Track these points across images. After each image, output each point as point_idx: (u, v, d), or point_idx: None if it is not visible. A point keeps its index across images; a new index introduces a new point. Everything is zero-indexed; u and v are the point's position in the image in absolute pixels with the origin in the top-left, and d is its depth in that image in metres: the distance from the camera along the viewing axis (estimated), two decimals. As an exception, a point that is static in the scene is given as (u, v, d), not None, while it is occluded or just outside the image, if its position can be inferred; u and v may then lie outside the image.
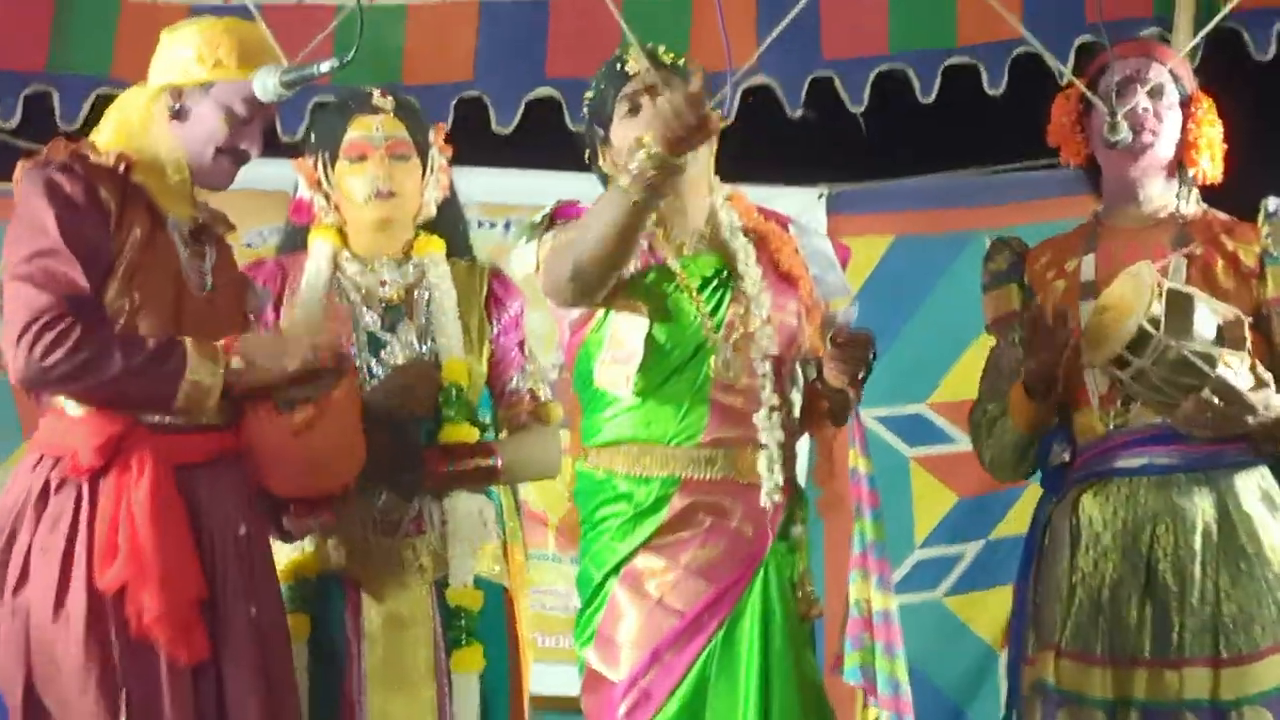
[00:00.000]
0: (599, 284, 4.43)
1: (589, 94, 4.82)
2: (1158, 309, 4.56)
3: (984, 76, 7.73)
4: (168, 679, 4.29)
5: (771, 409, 4.57)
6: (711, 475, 4.60)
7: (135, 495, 4.30)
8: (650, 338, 4.61)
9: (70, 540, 4.32)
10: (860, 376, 4.54)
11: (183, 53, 4.53)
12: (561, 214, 4.72)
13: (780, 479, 4.57)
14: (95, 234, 4.35)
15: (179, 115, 4.49)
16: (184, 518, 4.35)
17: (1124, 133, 4.90)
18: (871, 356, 4.53)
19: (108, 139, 4.54)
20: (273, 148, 6.08)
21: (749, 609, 4.52)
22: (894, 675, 4.53)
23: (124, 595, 4.26)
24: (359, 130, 5.09)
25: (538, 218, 4.74)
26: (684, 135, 4.18)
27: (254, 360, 4.34)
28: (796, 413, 4.75)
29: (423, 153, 5.15)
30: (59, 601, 4.31)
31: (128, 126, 4.54)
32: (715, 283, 4.65)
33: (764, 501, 4.56)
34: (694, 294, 4.62)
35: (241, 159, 4.55)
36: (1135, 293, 4.63)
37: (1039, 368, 4.84)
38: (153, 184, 4.46)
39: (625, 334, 4.62)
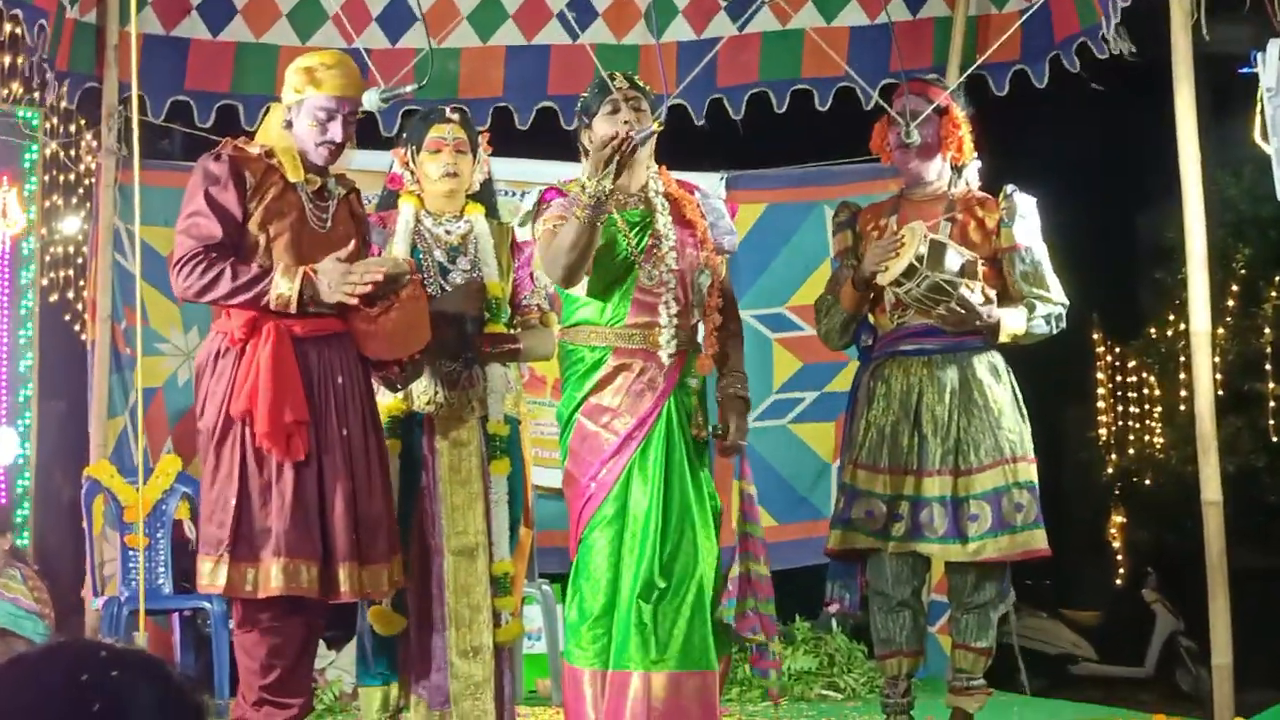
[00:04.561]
0: (578, 276, 4.42)
1: (583, 95, 4.75)
2: (922, 251, 4.60)
3: (816, 97, 7.74)
4: (275, 469, 4.28)
5: (671, 305, 4.51)
6: (631, 346, 4.54)
7: (261, 355, 4.28)
8: (596, 260, 4.54)
9: (227, 386, 4.33)
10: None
11: (289, 81, 4.50)
12: (545, 199, 4.68)
13: (673, 348, 4.49)
14: (231, 200, 4.34)
15: (288, 125, 4.46)
16: (295, 370, 4.30)
17: (915, 138, 4.89)
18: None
19: (260, 137, 4.54)
20: (373, 142, 6.05)
21: (658, 431, 4.47)
22: (767, 611, 4.59)
23: (249, 418, 4.28)
24: (436, 132, 5.03)
25: (529, 206, 4.70)
26: (608, 158, 4.25)
27: (317, 287, 4.29)
28: (697, 314, 4.62)
29: (473, 149, 5.11)
30: (215, 424, 4.34)
31: (269, 129, 4.53)
32: (640, 225, 4.59)
33: (664, 360, 4.50)
34: (626, 233, 4.56)
35: (336, 147, 4.48)
36: (910, 240, 4.68)
37: (866, 271, 4.81)
38: (284, 163, 4.43)
39: None
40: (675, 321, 4.51)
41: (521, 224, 4.80)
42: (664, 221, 4.60)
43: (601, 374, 4.56)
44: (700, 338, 4.68)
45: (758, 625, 4.58)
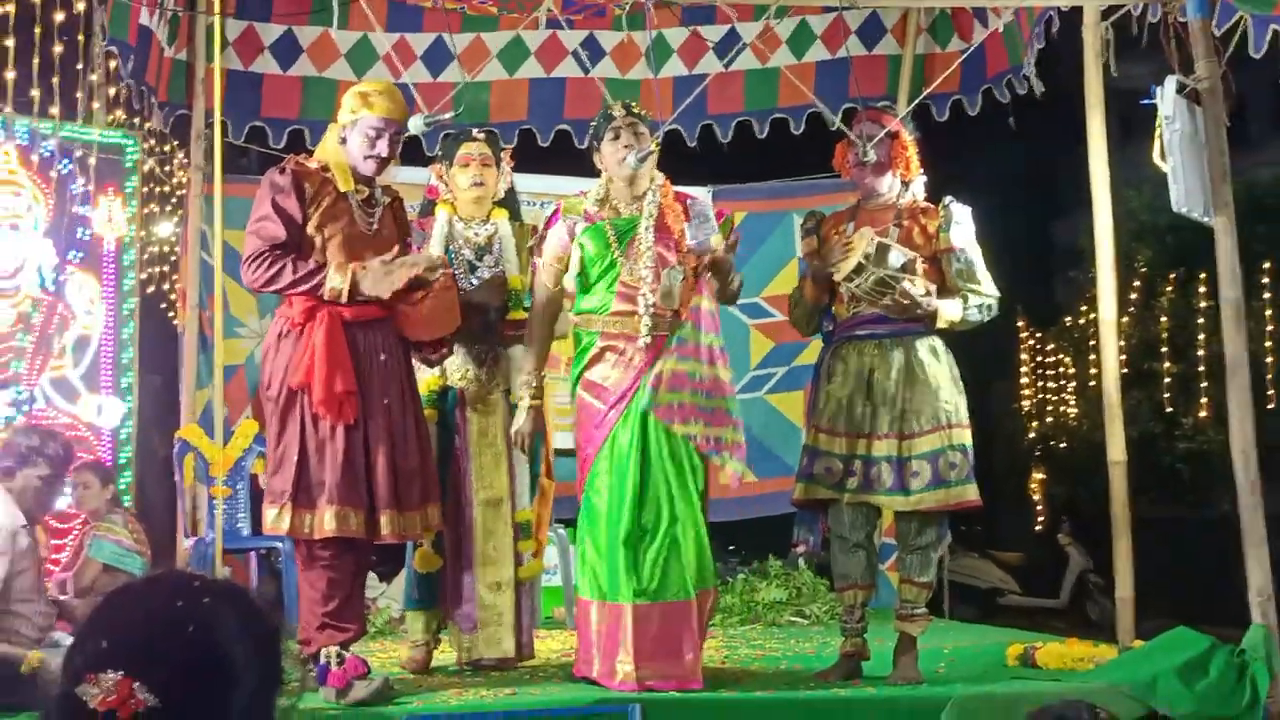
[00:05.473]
0: None
1: (593, 123, 4.78)
2: (869, 251, 4.59)
3: (791, 123, 7.73)
4: (328, 432, 4.30)
5: (648, 297, 4.52)
6: (614, 330, 4.58)
7: (316, 337, 4.30)
8: (585, 261, 4.62)
9: (287, 362, 4.35)
10: (730, 281, 4.57)
11: (346, 104, 4.50)
12: (549, 224, 4.75)
13: (649, 336, 4.51)
14: (292, 206, 4.35)
15: (342, 142, 4.45)
16: (345, 349, 4.32)
17: (870, 157, 4.86)
18: (728, 268, 4.54)
19: (318, 154, 4.54)
20: (418, 160, 6.02)
21: (637, 400, 4.50)
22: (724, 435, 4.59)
23: (307, 389, 4.29)
24: (465, 149, 5.05)
25: (534, 241, 4.84)
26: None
27: (362, 281, 4.28)
28: (675, 302, 4.59)
29: (498, 162, 5.10)
30: (279, 394, 4.34)
31: (325, 146, 4.53)
32: (626, 231, 4.61)
33: (640, 344, 4.52)
34: (611, 237, 4.60)
35: (382, 161, 4.46)
36: (859, 242, 4.67)
37: (820, 269, 4.83)
38: (337, 176, 4.42)
39: (573, 262, 4.67)
40: (652, 311, 4.52)
41: (531, 246, 4.92)
42: (646, 227, 4.62)
43: (592, 354, 4.63)
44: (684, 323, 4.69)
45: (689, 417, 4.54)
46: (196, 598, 1.55)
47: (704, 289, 4.55)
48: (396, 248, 4.45)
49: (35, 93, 6.12)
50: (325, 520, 4.27)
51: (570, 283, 4.72)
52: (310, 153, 4.74)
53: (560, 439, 5.54)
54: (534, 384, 4.69)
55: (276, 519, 4.31)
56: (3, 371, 6.05)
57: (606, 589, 4.46)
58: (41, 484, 4.61)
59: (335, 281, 4.29)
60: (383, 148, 4.43)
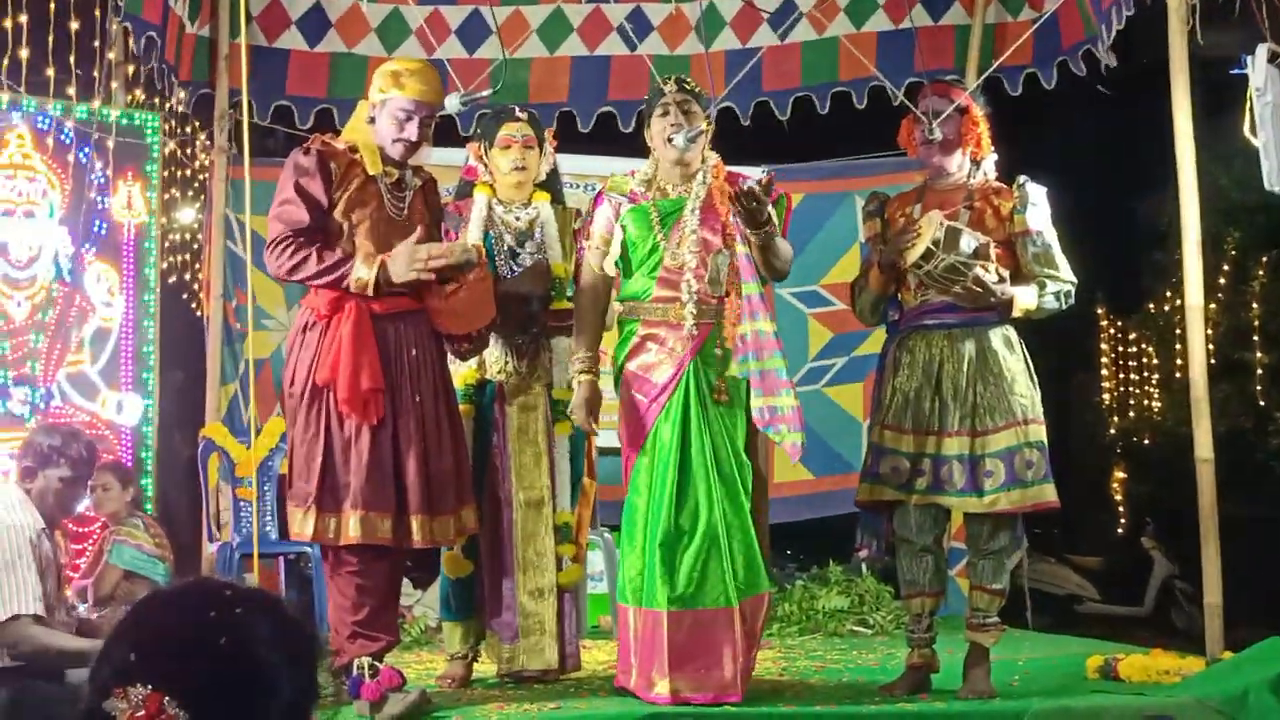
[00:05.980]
0: None
1: (647, 98, 4.82)
2: (939, 235, 4.57)
3: (854, 97, 7.70)
4: (354, 431, 4.32)
5: (691, 283, 4.55)
6: (655, 318, 4.61)
7: (343, 330, 4.31)
8: (627, 244, 4.65)
9: (313, 356, 4.36)
10: (762, 219, 4.46)
11: (376, 82, 4.51)
12: (595, 205, 4.78)
13: (694, 323, 4.54)
14: (318, 189, 4.37)
15: (371, 121, 4.47)
16: (372, 344, 4.34)
17: (937, 135, 4.83)
18: (758, 203, 4.43)
19: (346, 134, 4.58)
20: (452, 141, 6.04)
21: (677, 397, 4.53)
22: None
23: (332, 386, 4.31)
24: (507, 130, 5.04)
25: (578, 224, 4.94)
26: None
27: (392, 268, 4.29)
28: (716, 291, 4.61)
29: (540, 144, 5.11)
30: (303, 390, 4.37)
31: (354, 125, 4.55)
32: (670, 214, 4.64)
33: (686, 332, 4.54)
34: (654, 219, 4.63)
35: (411, 145, 4.47)
36: (927, 227, 4.65)
37: (886, 255, 4.80)
38: (365, 158, 4.44)
39: (615, 244, 4.70)
40: (696, 297, 4.54)
41: (576, 230, 4.94)
42: (691, 209, 4.64)
43: (633, 344, 4.67)
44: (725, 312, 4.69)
45: (777, 423, 4.56)
46: (229, 607, 1.57)
47: (738, 231, 4.55)
48: (419, 229, 4.45)
49: (50, 72, 6.18)
50: (350, 526, 4.30)
51: (610, 267, 4.74)
52: (338, 133, 4.77)
53: (603, 437, 5.53)
54: (586, 359, 4.71)
55: (301, 523, 4.35)
56: (19, 367, 6.12)
57: (643, 594, 4.47)
58: (62, 486, 4.66)
59: (361, 273, 4.30)
60: (412, 131, 4.44)
